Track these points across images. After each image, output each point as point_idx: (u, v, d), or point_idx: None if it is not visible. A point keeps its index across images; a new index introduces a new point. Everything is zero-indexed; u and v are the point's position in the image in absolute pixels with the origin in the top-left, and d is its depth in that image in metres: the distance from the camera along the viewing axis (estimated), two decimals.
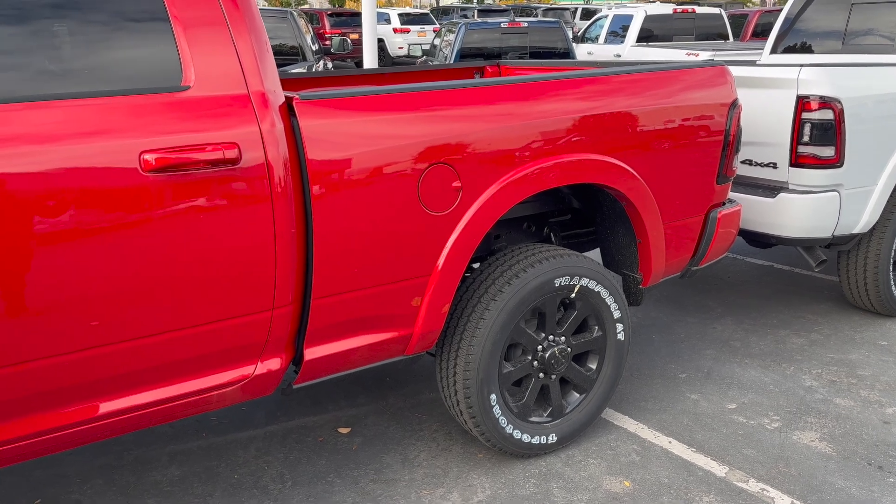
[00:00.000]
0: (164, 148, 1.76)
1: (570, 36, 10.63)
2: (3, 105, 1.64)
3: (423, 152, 2.16)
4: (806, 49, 5.45)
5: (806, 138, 3.33)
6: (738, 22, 14.00)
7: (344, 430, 2.92)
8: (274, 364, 2.11)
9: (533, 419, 2.67)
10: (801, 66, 3.34)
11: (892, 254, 3.76)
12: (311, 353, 2.16)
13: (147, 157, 1.74)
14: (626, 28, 12.33)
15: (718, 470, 2.64)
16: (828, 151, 3.33)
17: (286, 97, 2.01)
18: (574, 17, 24.71)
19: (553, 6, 29.57)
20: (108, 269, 1.75)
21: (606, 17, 13.35)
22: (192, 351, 1.92)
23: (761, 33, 11.94)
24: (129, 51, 1.81)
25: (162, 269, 1.81)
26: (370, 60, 5.97)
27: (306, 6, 41.01)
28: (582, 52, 12.91)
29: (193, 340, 1.91)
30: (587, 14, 23.80)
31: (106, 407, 1.87)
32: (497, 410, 2.54)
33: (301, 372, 2.20)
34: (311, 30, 9.18)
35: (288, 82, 3.52)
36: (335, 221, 2.05)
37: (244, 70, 1.90)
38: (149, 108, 1.78)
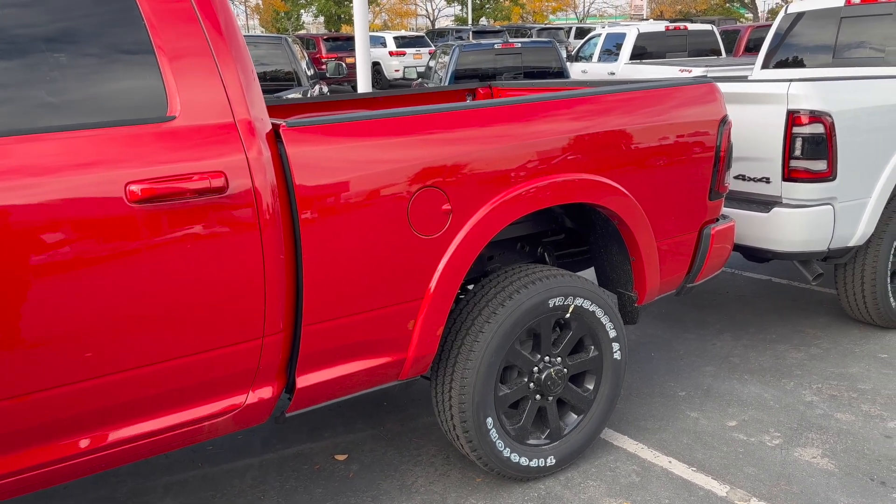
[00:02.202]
0: (150, 178, 1.76)
1: (564, 55, 10.70)
2: None
3: (412, 176, 2.15)
4: (797, 63, 5.49)
5: (798, 152, 3.33)
6: (731, 38, 14.11)
7: (341, 457, 2.89)
8: (266, 392, 2.09)
9: (531, 442, 2.64)
10: (791, 80, 3.36)
11: (890, 265, 3.75)
12: (303, 381, 2.15)
13: (133, 187, 1.74)
14: (619, 46, 12.41)
15: (719, 489, 2.60)
16: (820, 165, 3.33)
17: (273, 124, 2.01)
18: (568, 37, 24.95)
19: (547, 26, 29.84)
20: (96, 301, 1.74)
21: (600, 35, 13.44)
22: (181, 382, 1.90)
23: (753, 48, 12.02)
24: (114, 82, 1.81)
25: (149, 300, 1.80)
26: (364, 84, 6.00)
27: (303, 31, 41.42)
28: (576, 70, 12.99)
29: (182, 371, 1.89)
30: (581, 33, 24.02)
31: (97, 440, 1.85)
32: (494, 434, 2.51)
33: (294, 400, 2.18)
34: (305, 55, 9.26)
35: (282, 108, 3.54)
36: (325, 247, 2.04)
37: (230, 99, 1.91)
38: (134, 139, 1.78)
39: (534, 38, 19.09)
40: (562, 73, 9.78)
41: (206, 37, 1.90)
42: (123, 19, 1.82)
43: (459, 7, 46.44)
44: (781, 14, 5.67)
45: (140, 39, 1.83)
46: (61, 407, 1.77)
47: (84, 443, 1.83)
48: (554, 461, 2.66)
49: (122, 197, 1.74)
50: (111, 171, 1.73)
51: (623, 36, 12.40)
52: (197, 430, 1.98)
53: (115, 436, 1.86)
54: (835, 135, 3.31)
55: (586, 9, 55.18)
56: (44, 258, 1.67)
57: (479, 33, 22.53)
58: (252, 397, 2.06)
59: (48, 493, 2.68)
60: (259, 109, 1.98)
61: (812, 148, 3.30)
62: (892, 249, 3.73)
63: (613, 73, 11.73)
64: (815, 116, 3.28)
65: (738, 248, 3.58)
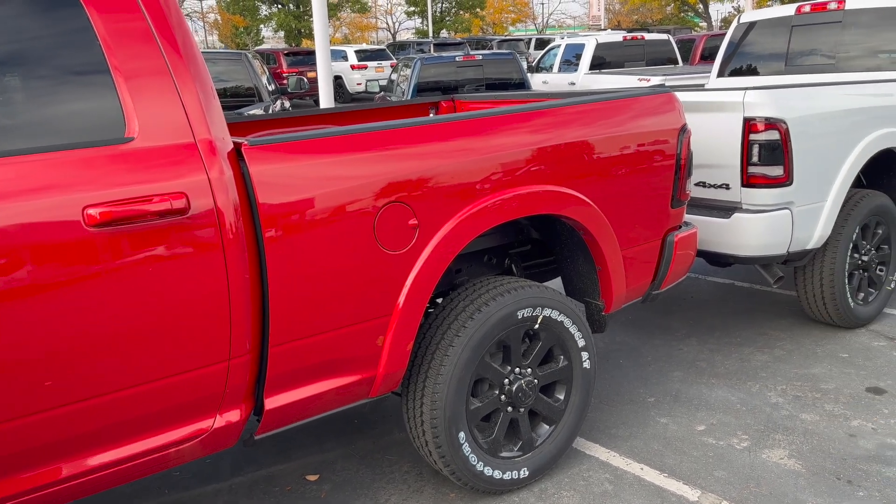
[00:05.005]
0: (108, 202, 1.72)
1: (525, 66, 10.81)
2: None
3: (377, 192, 2.14)
4: (751, 71, 5.62)
5: (755, 159, 3.40)
6: (687, 46, 14.40)
7: (312, 478, 2.85)
8: (234, 416, 2.05)
9: (503, 454, 2.64)
10: (746, 89, 3.43)
11: (847, 266, 3.84)
12: (271, 403, 2.11)
13: (91, 211, 1.70)
14: (579, 56, 12.59)
15: (691, 494, 2.62)
16: (777, 171, 3.40)
17: (235, 143, 1.99)
18: (529, 48, 25.23)
19: (507, 38, 30.13)
20: (55, 328, 1.69)
21: (559, 46, 13.62)
22: (144, 408, 1.86)
23: (709, 56, 12.28)
24: (69, 104, 1.77)
25: (111, 326, 1.76)
26: (326, 99, 5.98)
27: (263, 46, 41.15)
28: (537, 81, 13.14)
29: (146, 397, 1.85)
30: (541, 44, 24.30)
31: (57, 472, 1.79)
32: (466, 448, 2.50)
33: (262, 422, 2.14)
34: (266, 70, 9.19)
35: (243, 125, 3.50)
36: (290, 266, 2.02)
37: (190, 119, 1.88)
38: (91, 162, 1.74)
39: (494, 50, 19.25)
40: (523, 85, 9.86)
41: (164, 56, 1.87)
42: (77, 40, 1.78)
43: (420, 20, 46.66)
44: (734, 24, 5.80)
45: (95, 60, 1.79)
46: (19, 440, 1.71)
47: (44, 476, 1.77)
48: (527, 473, 2.66)
49: (79, 221, 1.70)
50: (67, 195, 1.69)
51: (582, 46, 12.59)
52: (163, 457, 1.93)
53: (76, 468, 1.81)
54: (790, 141, 3.39)
55: (545, 20, 55.90)
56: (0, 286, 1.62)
57: (441, 46, 22.66)
58: (220, 421, 2.02)
59: None
60: (220, 128, 1.95)
61: (769, 154, 3.38)
62: (849, 251, 3.83)
63: (574, 84, 11.87)
64: (771, 123, 3.36)
65: (701, 253, 3.63)
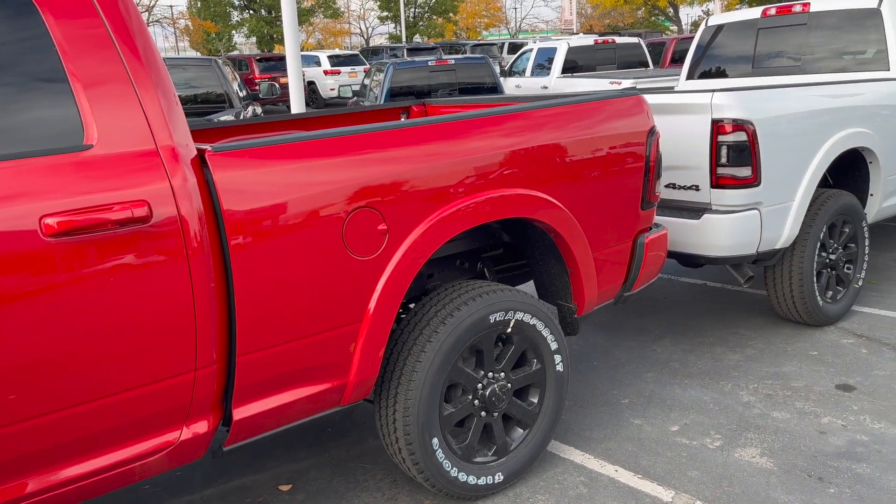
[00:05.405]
0: (66, 211, 1.68)
1: (497, 70, 10.84)
2: None
3: (345, 198, 2.12)
4: (720, 74, 5.68)
5: (724, 160, 3.43)
6: (657, 50, 14.55)
7: (285, 488, 2.81)
8: (201, 427, 2.01)
9: (478, 459, 2.62)
10: (714, 91, 3.46)
11: (815, 265, 3.89)
12: (240, 413, 2.08)
13: (48, 221, 1.66)
14: (551, 60, 12.65)
15: (665, 495, 2.63)
16: (745, 172, 3.44)
17: (198, 149, 1.96)
18: (501, 52, 25.34)
19: (480, 42, 30.24)
20: (13, 342, 1.64)
21: (532, 50, 13.68)
22: (107, 422, 1.81)
23: (679, 59, 12.40)
24: (25, 112, 1.73)
25: (72, 338, 1.71)
26: (297, 104, 5.94)
27: (236, 52, 40.82)
28: (510, 85, 13.18)
29: (109, 411, 1.80)
30: (514, 48, 24.41)
31: (17, 490, 1.74)
32: (440, 454, 2.48)
33: (231, 433, 2.10)
34: (237, 76, 9.11)
35: (213, 132, 3.46)
36: (257, 273, 1.98)
37: (151, 125, 1.84)
38: (48, 170, 1.70)
39: (467, 55, 19.30)
40: (496, 89, 9.88)
41: (124, 62, 1.83)
42: (34, 46, 1.74)
43: (393, 25, 46.66)
44: (702, 27, 5.87)
45: (52, 66, 1.75)
46: None
47: (4, 494, 1.72)
48: (502, 478, 2.65)
49: (36, 230, 1.65)
50: (23, 205, 1.65)
51: (554, 50, 12.66)
52: (127, 471, 1.88)
53: (36, 485, 1.75)
54: (757, 142, 3.43)
55: (518, 24, 56.23)
56: None
57: (414, 50, 22.64)
58: (186, 433, 1.98)
59: None
60: (182, 135, 1.91)
61: (736, 155, 3.41)
62: (817, 250, 3.88)
63: (546, 87, 11.93)
64: (738, 125, 3.39)
65: (672, 254, 3.65)
